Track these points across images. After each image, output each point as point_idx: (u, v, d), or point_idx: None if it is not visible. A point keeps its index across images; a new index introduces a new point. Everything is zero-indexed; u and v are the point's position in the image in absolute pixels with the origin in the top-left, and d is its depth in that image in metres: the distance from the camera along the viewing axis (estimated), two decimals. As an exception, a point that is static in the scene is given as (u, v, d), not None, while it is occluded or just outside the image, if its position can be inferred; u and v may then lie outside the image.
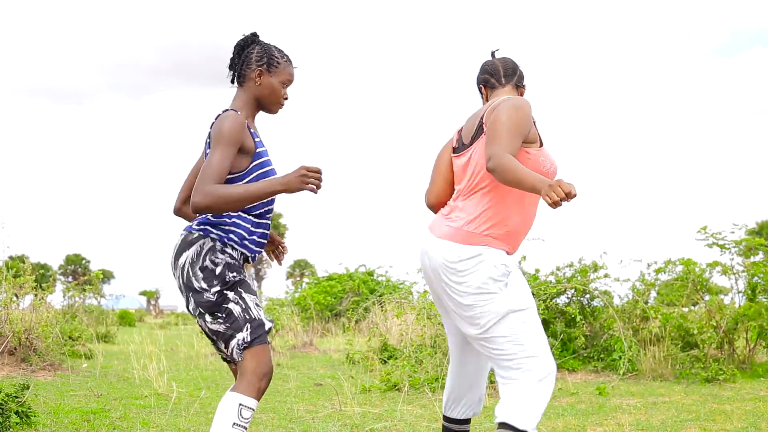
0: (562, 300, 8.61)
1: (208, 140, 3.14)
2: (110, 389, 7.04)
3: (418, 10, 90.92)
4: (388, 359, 8.80)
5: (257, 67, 3.18)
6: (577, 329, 8.26)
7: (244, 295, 3.02)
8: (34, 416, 4.82)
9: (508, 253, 3.29)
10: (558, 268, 8.79)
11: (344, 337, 13.57)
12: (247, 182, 3.07)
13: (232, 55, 3.24)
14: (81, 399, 6.31)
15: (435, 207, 3.53)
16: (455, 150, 3.45)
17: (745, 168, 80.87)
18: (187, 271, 3.02)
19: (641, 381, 7.78)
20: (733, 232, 8.79)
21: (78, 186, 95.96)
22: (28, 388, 4.82)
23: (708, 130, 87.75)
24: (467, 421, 3.56)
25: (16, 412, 4.63)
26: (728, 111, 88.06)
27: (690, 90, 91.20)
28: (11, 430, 4.58)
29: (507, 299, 3.15)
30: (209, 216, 3.07)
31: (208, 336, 3.14)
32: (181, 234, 3.11)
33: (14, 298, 8.53)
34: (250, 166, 3.09)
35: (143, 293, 56.99)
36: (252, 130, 3.14)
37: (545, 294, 8.13)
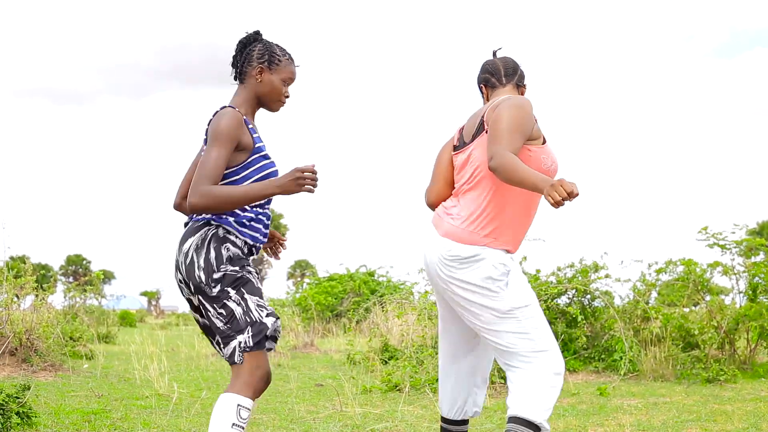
0: (563, 300, 8.60)
1: (205, 137, 3.15)
2: (111, 390, 7.04)
3: (418, 9, 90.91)
4: (389, 360, 8.80)
5: (258, 64, 3.19)
6: (578, 330, 8.26)
7: (246, 296, 3.00)
8: (35, 417, 4.82)
9: (509, 251, 3.29)
10: (559, 269, 8.78)
11: (345, 338, 13.57)
12: (244, 176, 3.08)
13: (234, 52, 3.25)
14: (82, 399, 6.31)
15: (435, 206, 3.54)
16: (456, 148, 3.46)
17: (745, 168, 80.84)
18: (192, 257, 3.00)
19: (642, 381, 7.78)
20: (733, 233, 8.80)
21: (79, 187, 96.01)
22: (29, 388, 4.82)
23: (708, 131, 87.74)
24: (465, 422, 3.56)
25: (17, 413, 4.63)
26: (729, 112, 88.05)
27: (690, 91, 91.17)
28: (12, 430, 4.58)
29: (509, 297, 3.16)
30: None
31: (202, 329, 3.13)
32: (186, 223, 3.12)
33: (15, 299, 8.53)
34: (248, 161, 3.09)
35: (144, 294, 57.00)
36: (251, 126, 3.14)
37: (546, 294, 8.13)
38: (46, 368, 8.10)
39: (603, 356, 8.39)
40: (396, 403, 6.21)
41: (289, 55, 3.25)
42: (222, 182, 3.06)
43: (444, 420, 3.55)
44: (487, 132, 3.23)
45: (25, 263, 9.06)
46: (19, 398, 4.68)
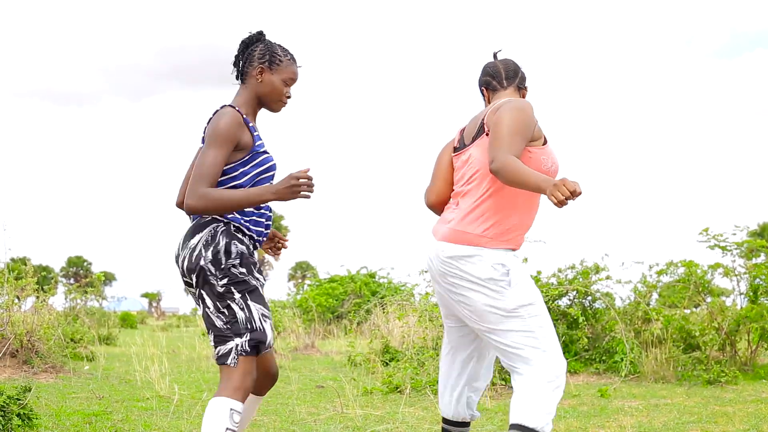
0: (563, 302, 8.60)
1: (203, 135, 3.15)
2: (112, 391, 7.04)
3: (420, 10, 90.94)
4: (389, 361, 8.80)
5: (259, 65, 3.19)
6: (579, 331, 8.26)
7: (250, 302, 3.01)
8: (36, 418, 4.82)
9: (512, 250, 3.29)
10: (560, 270, 8.78)
11: (346, 339, 13.57)
12: (241, 172, 3.09)
13: (237, 52, 3.26)
14: (83, 401, 6.31)
15: (435, 206, 3.54)
16: (456, 149, 3.46)
17: (746, 170, 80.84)
18: (199, 251, 3.00)
19: (643, 383, 7.77)
20: (734, 234, 8.80)
21: (79, 188, 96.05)
22: (29, 390, 4.82)
23: (709, 133, 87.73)
24: (466, 424, 3.56)
25: (18, 415, 4.63)
26: (729, 113, 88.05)
27: (691, 92, 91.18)
28: (13, 432, 4.58)
29: (513, 296, 3.15)
30: None
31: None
32: (192, 219, 3.12)
33: (16, 301, 8.53)
34: (245, 158, 3.10)
35: (145, 295, 57.03)
36: (251, 125, 3.14)
37: (547, 296, 8.13)
38: (47, 370, 8.10)
39: (604, 358, 8.38)
40: (397, 405, 6.21)
41: (291, 55, 3.24)
42: (220, 179, 3.07)
43: (444, 421, 3.55)
44: (487, 134, 3.23)
45: (26, 265, 9.06)
46: (20, 400, 4.68)
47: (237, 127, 3.06)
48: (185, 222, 3.21)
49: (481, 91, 3.54)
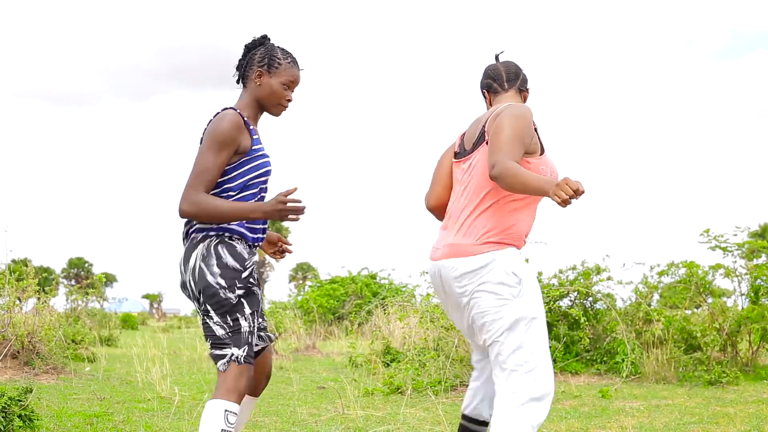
0: (565, 303, 8.61)
1: (202, 136, 3.15)
2: (113, 392, 7.04)
3: (421, 12, 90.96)
4: (391, 362, 8.80)
5: (258, 68, 3.19)
6: (581, 332, 8.26)
7: (255, 319, 3.05)
8: (38, 420, 4.83)
9: (517, 247, 3.27)
10: (561, 271, 8.79)
11: (347, 340, 13.59)
12: (236, 175, 3.09)
13: (240, 56, 3.27)
14: (84, 402, 6.32)
15: (435, 210, 3.54)
16: (457, 155, 3.45)
17: (747, 171, 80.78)
18: (199, 268, 3.01)
19: (644, 384, 7.77)
20: (735, 235, 8.80)
21: (80, 189, 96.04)
22: (31, 391, 4.83)
23: (710, 134, 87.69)
24: (484, 423, 3.53)
25: (19, 416, 4.63)
26: (730, 114, 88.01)
27: (691, 93, 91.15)
28: (14, 433, 4.58)
29: (519, 306, 3.13)
30: None
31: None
32: (185, 243, 3.13)
33: (17, 302, 8.53)
34: (241, 161, 3.10)
35: (146, 296, 56.99)
36: (251, 128, 3.14)
37: (548, 297, 8.14)
38: (48, 371, 8.11)
39: (605, 358, 8.39)
40: (398, 406, 6.21)
41: (292, 58, 3.23)
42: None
43: (463, 416, 3.52)
44: (487, 142, 3.23)
45: (27, 266, 9.07)
46: (21, 401, 4.68)
47: (237, 130, 3.06)
48: (183, 232, 3.19)
49: (483, 94, 3.54)
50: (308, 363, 10.96)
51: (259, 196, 3.16)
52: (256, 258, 3.20)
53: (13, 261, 10.35)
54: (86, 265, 77.01)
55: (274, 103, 3.22)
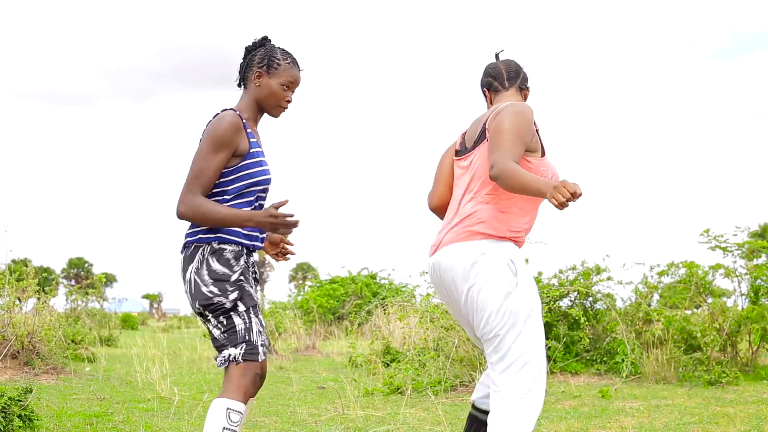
0: (565, 303, 8.61)
1: (201, 137, 3.15)
2: (113, 393, 7.04)
3: (421, 11, 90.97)
4: (390, 362, 8.80)
5: (257, 69, 3.19)
6: (580, 332, 8.26)
7: (251, 315, 3.04)
8: (37, 420, 4.83)
9: (514, 243, 3.27)
10: (561, 271, 8.79)
11: (347, 340, 13.59)
12: (232, 179, 3.09)
13: (242, 58, 3.26)
14: (84, 402, 6.32)
15: (437, 210, 3.54)
16: (458, 153, 3.45)
17: (747, 171, 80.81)
18: (195, 281, 3.04)
19: (644, 384, 7.77)
20: (735, 235, 8.80)
21: (80, 189, 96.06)
22: (31, 391, 4.82)
23: (710, 134, 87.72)
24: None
25: (19, 416, 4.63)
26: (730, 114, 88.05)
27: (692, 93, 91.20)
28: (14, 433, 4.58)
29: (518, 300, 3.12)
30: None
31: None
32: (181, 252, 3.13)
33: (17, 302, 8.53)
34: (238, 165, 3.09)
35: (146, 296, 57.02)
36: (249, 131, 3.13)
37: (548, 297, 8.13)
38: (48, 371, 8.11)
39: (605, 359, 8.38)
40: (398, 406, 6.21)
41: (292, 59, 3.22)
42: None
43: (473, 406, 3.51)
44: (488, 140, 3.23)
45: (27, 266, 9.06)
46: (21, 401, 4.68)
47: (235, 131, 3.05)
48: (186, 224, 3.19)
49: (483, 92, 3.54)
50: (308, 363, 10.96)
51: (255, 205, 3.15)
52: (254, 258, 3.20)
53: (13, 261, 10.36)
54: (86, 265, 77.03)
55: (273, 104, 3.21)
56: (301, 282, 66.57)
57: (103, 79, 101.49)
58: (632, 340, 8.26)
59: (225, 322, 3.01)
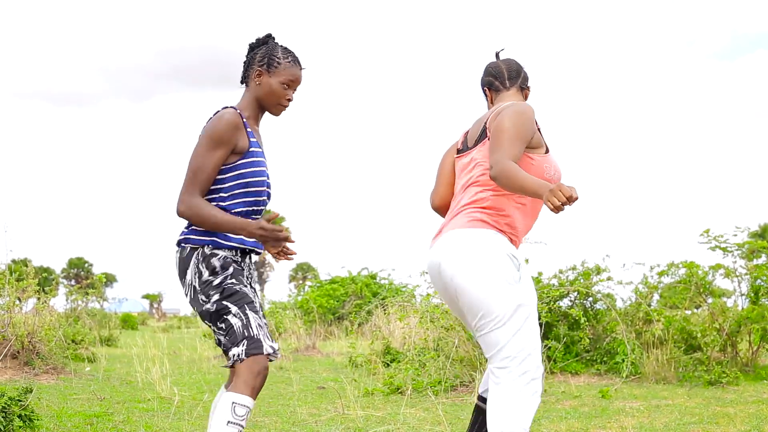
0: (565, 303, 8.60)
1: (200, 134, 3.15)
2: (113, 393, 7.04)
3: (422, 11, 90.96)
4: (391, 362, 8.80)
5: (257, 68, 3.19)
6: (581, 332, 8.26)
7: (247, 311, 3.04)
8: (38, 420, 4.82)
9: (510, 240, 3.26)
10: (561, 272, 8.78)
11: (347, 341, 13.58)
12: (229, 177, 3.09)
13: (245, 56, 3.27)
14: (84, 402, 6.32)
15: (440, 209, 3.54)
16: (459, 152, 3.46)
17: (747, 171, 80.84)
18: (193, 287, 3.07)
19: (644, 384, 7.77)
20: (735, 235, 8.79)
21: (80, 189, 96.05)
22: (31, 391, 4.82)
23: (710, 134, 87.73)
24: None
25: (19, 416, 4.63)
26: (730, 115, 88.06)
27: (692, 94, 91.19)
28: (14, 433, 4.58)
29: (517, 293, 3.11)
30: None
31: None
32: (176, 251, 3.14)
33: (17, 302, 8.53)
34: (236, 163, 3.10)
35: (146, 297, 57.01)
36: (249, 129, 3.13)
37: (548, 297, 8.13)
38: (48, 371, 8.11)
39: (605, 359, 8.38)
40: (398, 406, 6.21)
41: (293, 57, 3.21)
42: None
43: (479, 398, 3.51)
44: (489, 139, 3.23)
45: (27, 266, 9.06)
46: (21, 401, 4.68)
47: (233, 129, 3.05)
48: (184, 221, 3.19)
49: (484, 92, 3.54)
50: (308, 363, 10.95)
51: (252, 208, 3.15)
52: (254, 258, 3.21)
53: (13, 261, 10.34)
54: (86, 265, 77.01)
55: (273, 103, 3.21)
56: (301, 282, 66.56)
57: (103, 79, 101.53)
58: (632, 340, 8.26)
59: (224, 327, 3.03)
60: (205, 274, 3.04)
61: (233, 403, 2.93)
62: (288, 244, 3.25)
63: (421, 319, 8.79)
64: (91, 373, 8.63)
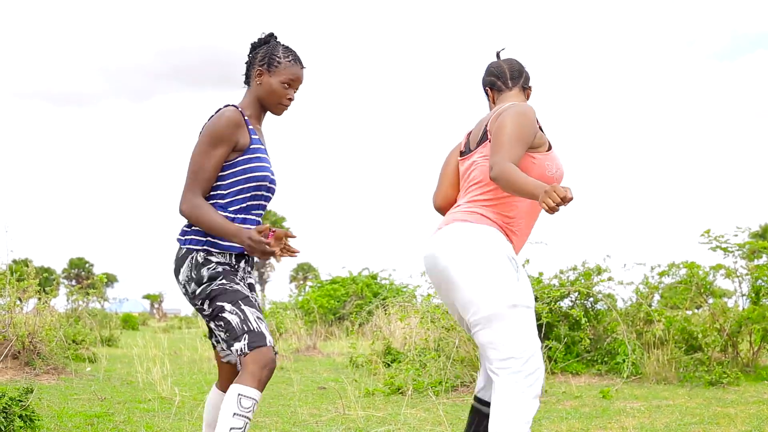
0: (565, 303, 8.60)
1: (200, 132, 3.15)
2: (114, 393, 7.04)
3: (423, 11, 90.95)
4: (391, 363, 8.80)
5: (258, 67, 3.19)
6: (581, 332, 8.25)
7: (243, 307, 3.04)
8: (38, 420, 4.82)
9: (509, 239, 3.25)
10: (562, 272, 8.78)
11: (348, 341, 13.57)
12: (229, 173, 3.10)
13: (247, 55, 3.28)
14: (85, 403, 6.32)
15: (442, 210, 3.54)
16: (462, 153, 3.46)
17: (748, 171, 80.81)
18: (185, 289, 3.11)
19: (645, 384, 7.77)
20: (736, 235, 8.79)
21: (81, 189, 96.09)
22: (31, 391, 4.82)
23: (711, 134, 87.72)
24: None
25: (20, 416, 4.63)
26: (730, 115, 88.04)
27: (692, 94, 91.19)
28: (15, 433, 4.58)
29: (512, 292, 3.10)
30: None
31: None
32: (177, 243, 3.16)
33: (18, 302, 8.53)
34: (237, 160, 3.10)
35: (147, 297, 57.03)
36: (251, 127, 3.13)
37: (549, 297, 8.12)
38: (48, 371, 8.11)
39: (606, 359, 8.38)
40: (399, 406, 6.21)
41: (294, 56, 3.21)
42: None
43: (475, 398, 3.50)
44: (490, 141, 3.24)
45: (27, 266, 9.06)
46: (22, 401, 4.68)
47: (234, 127, 3.06)
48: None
49: (485, 92, 3.54)
50: (309, 363, 10.95)
51: (252, 203, 3.16)
52: (242, 264, 3.20)
53: (14, 261, 10.36)
54: (87, 265, 77.04)
55: (274, 102, 3.21)
56: (301, 282, 66.57)
57: (103, 79, 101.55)
58: (633, 340, 8.26)
59: (222, 324, 3.03)
60: (192, 285, 3.08)
61: (239, 394, 2.93)
62: (290, 242, 3.25)
63: (422, 319, 8.79)
64: (92, 374, 8.63)
